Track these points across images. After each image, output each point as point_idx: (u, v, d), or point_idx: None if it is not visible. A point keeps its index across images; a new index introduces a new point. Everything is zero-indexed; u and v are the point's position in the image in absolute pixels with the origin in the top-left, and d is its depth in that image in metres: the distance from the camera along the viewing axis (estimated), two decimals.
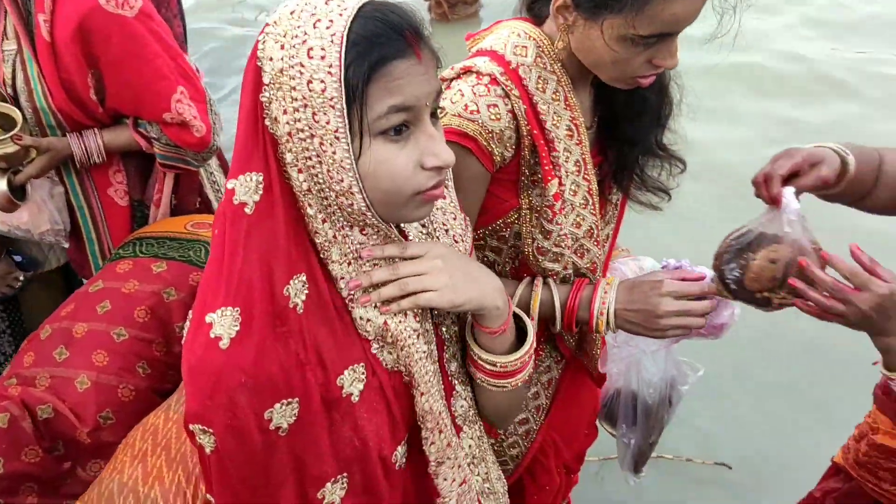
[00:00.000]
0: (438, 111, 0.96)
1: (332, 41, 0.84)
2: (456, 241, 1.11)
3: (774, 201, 1.23)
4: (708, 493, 2.39)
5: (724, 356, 2.64)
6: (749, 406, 2.67)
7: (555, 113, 1.24)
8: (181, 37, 3.27)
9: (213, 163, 2.13)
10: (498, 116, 1.20)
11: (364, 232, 0.94)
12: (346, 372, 0.94)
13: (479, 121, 1.19)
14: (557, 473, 1.61)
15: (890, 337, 1.20)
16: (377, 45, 0.85)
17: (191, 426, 0.89)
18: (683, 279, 1.29)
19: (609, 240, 1.43)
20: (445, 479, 1.07)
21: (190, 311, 0.94)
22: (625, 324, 1.30)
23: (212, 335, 0.87)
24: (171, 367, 1.57)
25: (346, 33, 0.84)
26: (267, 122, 0.88)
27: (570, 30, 1.19)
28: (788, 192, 1.21)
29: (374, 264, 0.97)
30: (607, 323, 1.30)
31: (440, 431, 1.05)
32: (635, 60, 1.15)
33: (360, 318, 0.96)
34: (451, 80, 1.25)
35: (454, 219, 1.12)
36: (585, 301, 1.31)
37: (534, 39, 1.24)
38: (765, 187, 1.26)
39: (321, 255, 0.94)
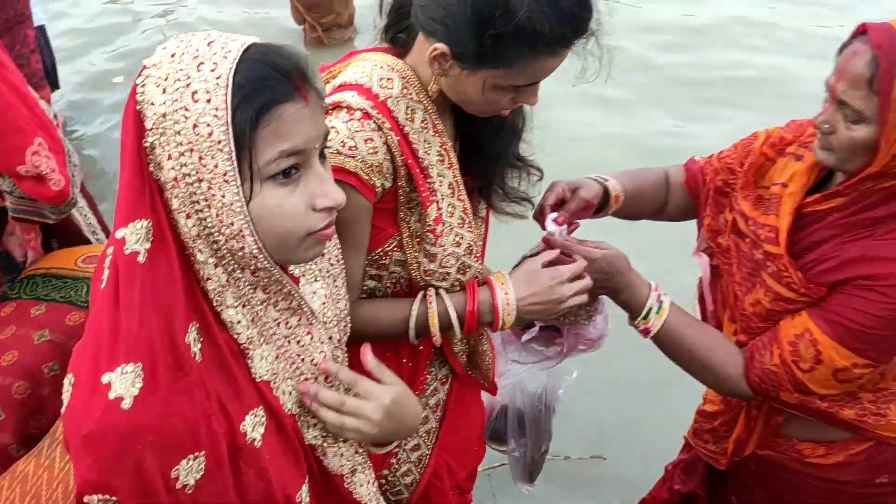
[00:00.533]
0: (326, 151, 0.98)
1: (217, 84, 0.83)
2: (332, 264, 1.15)
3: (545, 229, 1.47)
4: (595, 489, 2.50)
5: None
6: (623, 399, 2.80)
7: (425, 141, 1.30)
8: (40, 73, 3.10)
9: (83, 203, 2.05)
10: (375, 150, 1.23)
11: (256, 274, 0.94)
12: (247, 417, 0.94)
13: (359, 156, 1.22)
14: (452, 495, 1.64)
15: (621, 293, 1.47)
16: (264, 88, 0.85)
17: (86, 498, 0.85)
18: (563, 257, 1.42)
19: (480, 254, 1.49)
20: (362, 486, 1.11)
21: (70, 375, 0.90)
22: (527, 315, 1.38)
23: (111, 396, 0.83)
24: (37, 410, 1.49)
25: (231, 76, 0.84)
26: (151, 168, 0.87)
27: (444, 73, 1.24)
28: (549, 220, 1.45)
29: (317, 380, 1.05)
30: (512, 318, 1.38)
31: (346, 440, 1.09)
32: (504, 101, 1.26)
33: (259, 360, 0.97)
34: None
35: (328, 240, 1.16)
36: (487, 304, 1.36)
37: (398, 71, 1.29)
38: (540, 217, 1.49)
39: (213, 302, 0.93)
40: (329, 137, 1.21)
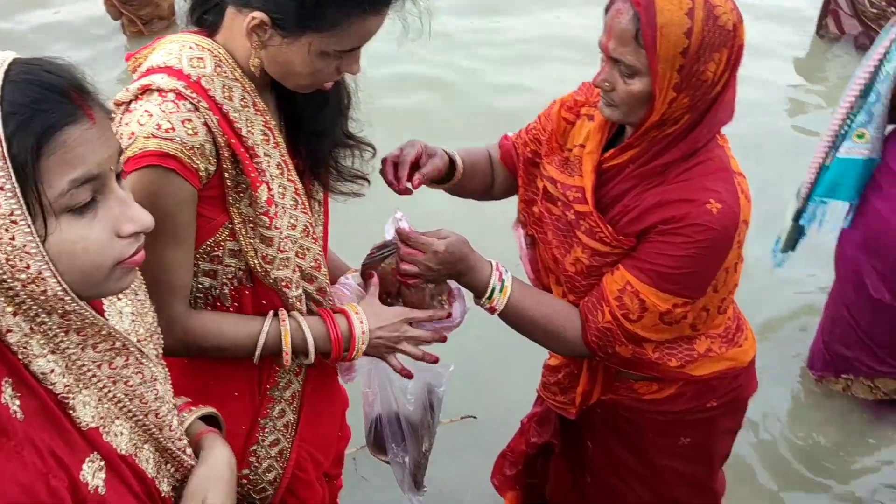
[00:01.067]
0: (122, 169, 0.91)
1: None
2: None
3: (398, 183, 1.49)
4: (469, 449, 2.56)
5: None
6: (489, 358, 2.88)
7: (247, 120, 1.26)
8: None
9: None
10: (195, 131, 1.18)
11: (66, 318, 0.86)
12: (84, 466, 0.88)
13: (177, 138, 1.16)
14: (319, 484, 1.64)
15: (464, 276, 1.51)
16: (40, 112, 0.77)
17: None
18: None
19: (322, 238, 1.49)
20: None
21: None
22: (371, 348, 1.43)
23: None
24: None
25: None
26: None
27: (263, 45, 1.21)
28: (392, 223, 1.48)
29: None
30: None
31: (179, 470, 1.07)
32: (328, 70, 1.24)
33: (82, 407, 0.90)
34: (130, 102, 1.20)
35: None
36: (346, 332, 1.39)
37: (208, 50, 1.24)
38: (394, 172, 1.49)
39: (19, 355, 0.84)
40: (141, 122, 1.15)
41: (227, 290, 1.36)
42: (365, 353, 1.43)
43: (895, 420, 2.75)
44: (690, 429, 1.72)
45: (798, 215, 2.56)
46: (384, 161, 1.52)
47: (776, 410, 2.81)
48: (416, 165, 1.53)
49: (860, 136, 2.36)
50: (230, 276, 1.34)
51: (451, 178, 1.66)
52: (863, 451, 2.68)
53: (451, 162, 1.64)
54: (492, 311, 1.55)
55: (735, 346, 1.65)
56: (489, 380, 2.84)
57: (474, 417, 2.69)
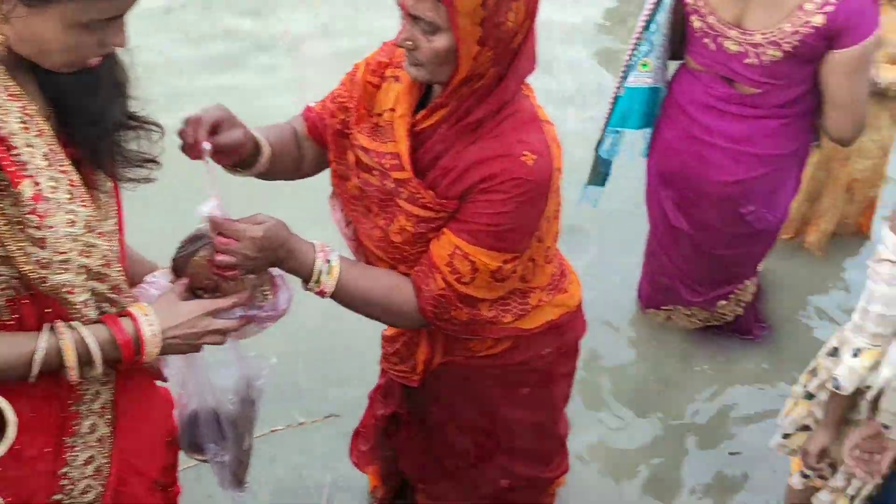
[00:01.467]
0: None
1: None
2: None
3: (193, 149, 1.38)
4: (335, 445, 2.48)
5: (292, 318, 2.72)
6: (339, 359, 2.81)
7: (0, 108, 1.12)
8: None
9: None
10: None
11: None
12: None
13: None
14: (150, 494, 1.53)
15: (287, 262, 1.44)
16: None
17: None
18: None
19: (116, 233, 1.35)
20: None
21: None
22: (169, 347, 1.32)
23: None
24: None
25: None
26: None
27: (5, 19, 1.06)
28: (207, 208, 1.37)
29: None
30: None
31: None
32: (88, 44, 1.12)
33: None
34: None
35: None
36: (133, 335, 1.27)
37: None
38: (192, 130, 1.38)
39: None
40: None
41: (1, 303, 1.21)
42: (165, 353, 1.33)
43: (716, 346, 2.95)
44: (528, 378, 1.76)
45: (597, 146, 2.66)
46: (186, 121, 1.40)
47: (608, 348, 2.94)
48: (216, 130, 1.42)
49: (644, 66, 2.50)
50: (3, 287, 1.19)
51: (254, 164, 1.55)
52: (690, 379, 2.87)
53: (257, 144, 1.53)
54: (322, 294, 1.49)
55: (561, 292, 1.69)
56: (349, 372, 2.75)
57: (337, 416, 2.61)
